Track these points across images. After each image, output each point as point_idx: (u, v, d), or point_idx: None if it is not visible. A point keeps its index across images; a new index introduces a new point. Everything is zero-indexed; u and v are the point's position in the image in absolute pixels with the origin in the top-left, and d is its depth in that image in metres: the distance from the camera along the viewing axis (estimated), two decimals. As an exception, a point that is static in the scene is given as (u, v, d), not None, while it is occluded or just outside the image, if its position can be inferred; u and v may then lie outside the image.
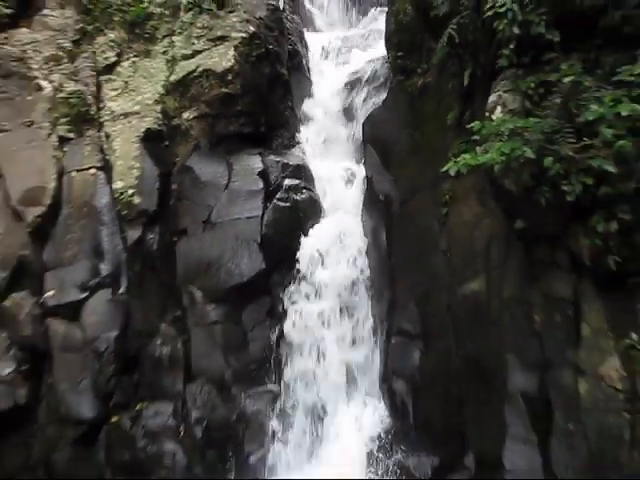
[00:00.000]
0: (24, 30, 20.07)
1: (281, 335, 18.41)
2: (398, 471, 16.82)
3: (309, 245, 18.85)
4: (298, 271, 18.71)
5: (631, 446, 14.73)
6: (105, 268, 19.05)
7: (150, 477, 17.91)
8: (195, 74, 19.37)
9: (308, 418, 17.91)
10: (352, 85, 20.00)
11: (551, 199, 14.98)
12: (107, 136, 19.69)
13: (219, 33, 19.46)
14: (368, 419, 17.63)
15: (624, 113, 14.36)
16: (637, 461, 14.75)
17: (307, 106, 20.06)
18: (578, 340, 15.55)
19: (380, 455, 17.01)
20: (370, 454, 17.13)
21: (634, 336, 15.05)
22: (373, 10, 20.44)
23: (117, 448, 18.31)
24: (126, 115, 19.60)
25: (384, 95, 19.28)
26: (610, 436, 15.00)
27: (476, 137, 15.50)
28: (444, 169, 15.66)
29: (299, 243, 18.86)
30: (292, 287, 18.65)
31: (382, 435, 17.31)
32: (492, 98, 16.12)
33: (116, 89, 19.80)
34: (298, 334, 18.36)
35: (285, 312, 18.51)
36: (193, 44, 19.54)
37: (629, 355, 14.96)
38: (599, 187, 14.68)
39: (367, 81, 19.87)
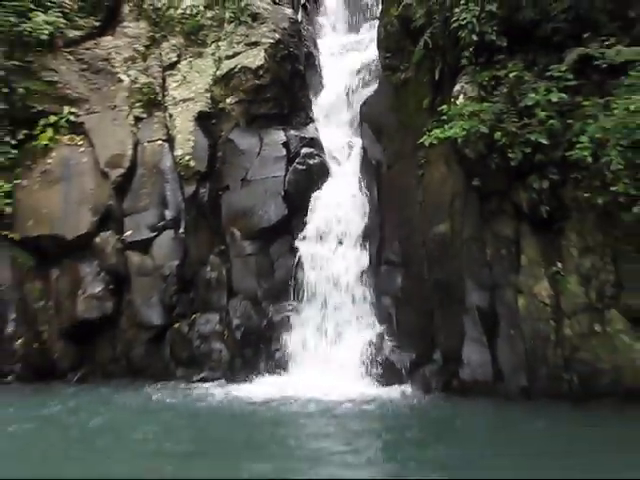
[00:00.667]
0: (109, 37, 20.02)
1: (299, 263, 18.15)
2: (384, 363, 16.73)
3: (319, 196, 18.66)
4: (310, 219, 18.53)
5: (555, 345, 15.04)
6: (169, 214, 19.03)
7: (202, 368, 17.92)
8: (235, 70, 19.25)
9: (320, 323, 17.78)
10: (352, 78, 19.71)
11: (499, 164, 15.35)
12: (170, 116, 19.58)
13: (253, 39, 19.35)
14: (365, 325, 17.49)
15: (554, 99, 14.88)
16: (559, 356, 15.01)
17: (318, 93, 19.81)
18: (518, 268, 15.70)
19: (373, 351, 16.91)
20: (364, 352, 16.95)
21: (559, 265, 14.93)
22: (368, 22, 20.15)
23: (178, 347, 18.37)
24: (184, 100, 19.52)
25: (375, 86, 19.17)
26: (540, 338, 15.23)
27: (444, 117, 15.85)
28: (420, 141, 16.19)
29: (312, 195, 18.66)
30: (307, 229, 18.40)
31: (373, 338, 17.11)
32: (456, 88, 16.32)
33: (176, 81, 19.72)
34: (311, 263, 18.13)
35: (303, 246, 18.37)
36: (234, 48, 19.45)
37: (555, 279, 15.19)
38: (535, 155, 14.99)
39: (363, 76, 19.54)
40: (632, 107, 13.47)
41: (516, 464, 11.21)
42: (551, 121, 14.66)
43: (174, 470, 11.00)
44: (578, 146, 14.17)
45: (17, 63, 18.81)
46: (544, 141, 14.61)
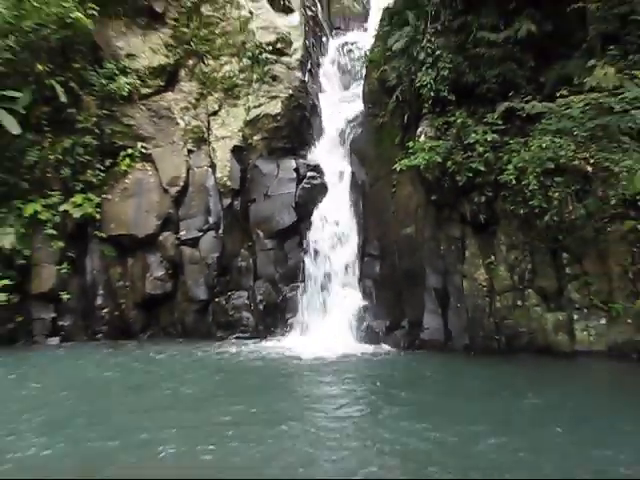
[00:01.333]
0: (170, 93, 19.99)
1: (306, 255, 18.22)
2: (367, 329, 16.83)
3: (320, 207, 18.59)
4: (313, 223, 18.48)
5: (489, 315, 15.10)
6: (211, 219, 19.01)
7: (233, 330, 17.94)
8: (260, 116, 19.29)
9: (319, 299, 17.76)
10: (345, 123, 19.65)
11: (450, 184, 15.39)
12: (213, 149, 19.54)
13: (273, 94, 19.36)
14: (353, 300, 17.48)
15: (489, 139, 14.92)
16: (492, 323, 15.06)
17: (319, 133, 19.80)
18: (463, 259, 15.75)
19: (359, 319, 17.06)
20: (352, 320, 17.08)
21: (492, 257, 14.88)
22: (356, 82, 20.11)
23: (218, 315, 18.36)
24: (223, 138, 19.50)
25: (361, 128, 18.97)
26: (479, 310, 15.22)
27: (410, 150, 15.72)
28: (393, 167, 16.09)
29: (315, 206, 18.57)
30: (311, 231, 18.34)
31: (358, 310, 17.17)
32: (419, 130, 16.21)
33: (218, 124, 19.67)
34: (314, 256, 18.13)
35: (308, 243, 18.29)
36: (259, 100, 19.45)
37: (489, 267, 15.30)
38: (475, 178, 15.13)
39: (351, 121, 19.48)
40: (543, 145, 13.59)
41: (461, 397, 11.55)
42: (487, 154, 14.80)
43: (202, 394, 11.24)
44: (506, 172, 14.33)
45: (106, 112, 19.08)
46: (482, 168, 14.77)
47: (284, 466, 8.00)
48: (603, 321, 14.07)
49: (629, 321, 13.77)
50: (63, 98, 18.10)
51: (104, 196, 18.85)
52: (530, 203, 14.06)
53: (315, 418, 10.17)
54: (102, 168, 18.99)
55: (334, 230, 18.19)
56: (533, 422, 9.79)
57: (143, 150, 19.22)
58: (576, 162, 13.64)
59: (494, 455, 8.28)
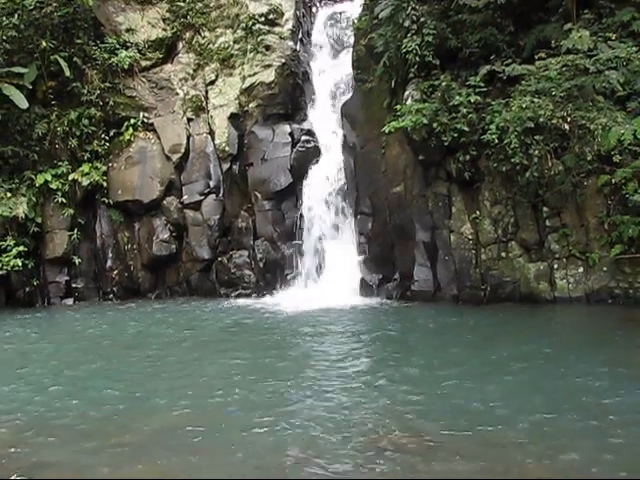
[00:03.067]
0: (169, 65, 19.93)
1: (302, 214, 18.33)
2: (361, 282, 17.11)
3: (314, 169, 18.67)
4: (308, 184, 18.57)
5: (475, 266, 15.31)
6: (212, 184, 19.05)
7: (235, 287, 18.06)
8: (255, 84, 19.21)
9: (316, 255, 17.95)
10: (335, 88, 19.62)
11: (436, 144, 15.33)
12: (211, 117, 19.52)
13: (267, 63, 19.25)
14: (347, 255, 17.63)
15: (472, 100, 14.84)
16: (478, 273, 15.27)
17: (312, 98, 19.75)
18: (450, 215, 15.86)
19: (353, 275, 17.25)
20: (347, 274, 17.28)
21: (477, 212, 15.00)
22: (345, 50, 19.98)
23: (221, 273, 18.56)
24: (221, 106, 19.45)
25: (351, 93, 18.94)
26: (465, 261, 15.38)
27: (398, 113, 15.67)
28: (382, 129, 16.00)
29: (309, 168, 18.63)
30: (305, 189, 18.49)
31: (352, 264, 17.40)
32: (406, 93, 16.22)
33: (215, 93, 19.63)
34: (310, 214, 18.30)
35: (304, 203, 18.46)
36: (254, 69, 19.34)
37: (475, 222, 15.41)
38: (460, 138, 15.05)
39: (342, 87, 19.47)
40: (523, 105, 13.61)
41: (450, 340, 11.93)
42: (470, 115, 14.83)
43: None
44: (489, 132, 14.36)
45: (109, 85, 19.07)
46: (466, 128, 14.79)
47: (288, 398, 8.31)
48: (581, 270, 14.32)
49: (604, 269, 14.01)
50: (68, 72, 18.11)
51: (110, 164, 18.96)
52: (512, 160, 14.15)
53: (318, 361, 10.57)
54: (107, 138, 19.05)
55: (328, 190, 18.29)
56: (521, 359, 10.11)
57: (145, 120, 19.23)
58: (554, 121, 13.72)
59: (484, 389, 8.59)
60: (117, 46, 19.22)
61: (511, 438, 7.12)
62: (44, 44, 17.95)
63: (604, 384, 8.74)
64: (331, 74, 20.04)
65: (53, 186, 18.04)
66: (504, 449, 6.86)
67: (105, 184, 18.67)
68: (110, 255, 18.71)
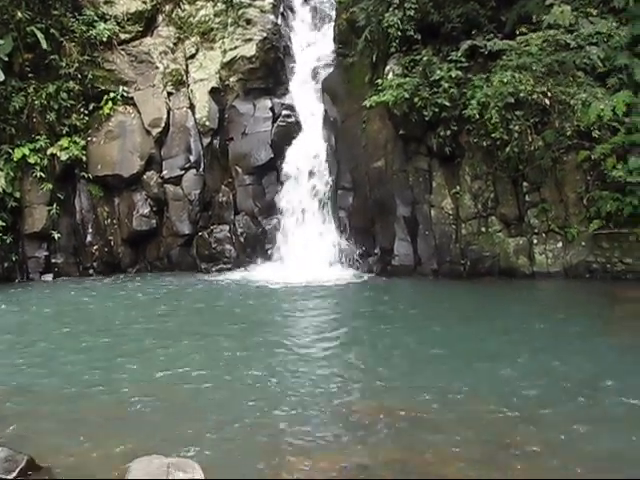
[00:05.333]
0: (149, 39, 19.65)
1: (283, 189, 18.33)
2: (341, 256, 17.15)
3: (295, 144, 18.54)
4: (289, 158, 18.45)
5: (455, 241, 15.51)
6: (192, 158, 18.89)
7: (216, 262, 17.97)
8: (236, 58, 19.04)
9: (297, 230, 17.93)
10: (317, 63, 19.51)
11: (417, 119, 15.46)
12: (192, 91, 19.32)
13: (248, 37, 19.11)
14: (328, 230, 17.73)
15: (453, 75, 14.97)
16: (458, 248, 15.43)
17: (293, 73, 19.62)
18: (431, 190, 16.01)
19: (334, 249, 17.26)
20: (328, 248, 17.34)
21: (457, 187, 15.10)
22: (326, 24, 19.83)
23: (201, 248, 18.40)
24: (201, 80, 19.29)
25: (332, 68, 18.83)
26: (445, 236, 15.53)
27: (379, 88, 15.70)
28: (363, 104, 16.06)
29: (290, 143, 18.52)
30: (285, 164, 18.38)
31: (333, 239, 17.46)
32: (387, 68, 16.32)
33: (196, 67, 19.46)
34: (291, 189, 18.26)
35: (284, 178, 18.37)
36: (234, 43, 19.19)
37: (455, 197, 15.58)
38: (441, 113, 15.24)
39: (323, 61, 19.37)
40: (504, 80, 13.69)
41: (430, 313, 12.28)
42: (451, 90, 14.92)
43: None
44: (470, 107, 14.46)
45: (87, 58, 18.77)
46: (447, 103, 14.91)
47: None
48: (559, 244, 14.53)
49: (583, 244, 14.22)
50: (45, 45, 17.82)
51: (89, 139, 18.73)
52: (492, 135, 14.28)
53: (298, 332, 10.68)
54: (86, 112, 18.79)
55: (309, 165, 18.21)
56: (499, 333, 10.31)
57: (125, 94, 18.98)
58: (535, 96, 13.81)
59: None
60: (95, 18, 18.91)
61: (488, 409, 7.28)
62: (19, 15, 17.62)
63: (580, 355, 9.09)
64: (312, 48, 19.92)
65: (31, 160, 17.85)
66: (481, 420, 7.03)
67: (84, 159, 18.45)
68: (90, 230, 18.57)
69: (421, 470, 5.96)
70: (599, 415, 7.05)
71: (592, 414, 7.06)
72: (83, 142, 18.57)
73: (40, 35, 17.83)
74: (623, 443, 6.31)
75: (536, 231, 14.75)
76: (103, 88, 19.00)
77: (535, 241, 14.72)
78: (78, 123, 18.59)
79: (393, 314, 12.45)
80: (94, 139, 18.78)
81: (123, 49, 19.34)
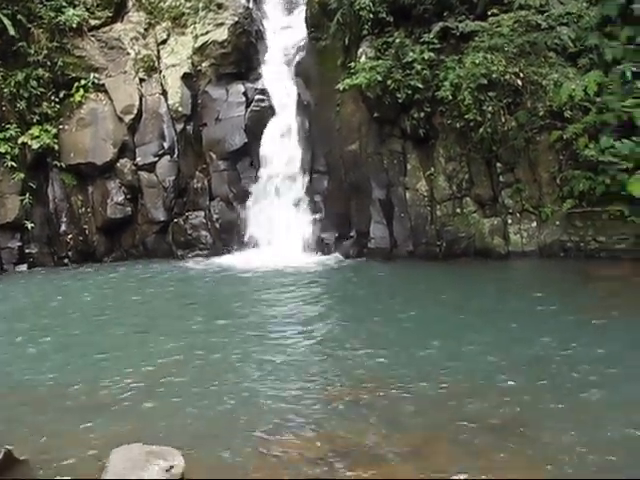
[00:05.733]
0: (119, 24, 19.38)
1: (258, 174, 18.25)
2: (317, 240, 17.16)
3: (268, 128, 18.37)
4: (263, 144, 18.31)
5: (430, 222, 15.58)
6: (166, 145, 18.70)
7: (192, 248, 17.99)
8: (208, 43, 18.82)
9: (272, 215, 17.89)
10: (289, 47, 19.37)
11: (391, 101, 15.43)
12: (164, 77, 19.11)
13: (219, 21, 18.91)
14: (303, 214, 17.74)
15: (426, 57, 14.97)
16: (433, 230, 15.58)
17: (265, 57, 19.43)
18: (405, 172, 16.00)
19: (310, 234, 17.32)
20: (304, 233, 17.39)
21: (432, 169, 15.23)
22: (298, 7, 19.68)
23: (177, 235, 18.38)
24: (173, 66, 19.06)
25: (304, 52, 18.71)
26: (421, 218, 15.60)
27: (352, 71, 15.67)
28: (336, 87, 16.01)
29: (264, 128, 18.34)
30: (260, 149, 18.25)
31: (309, 223, 17.48)
32: (360, 51, 16.29)
33: (167, 52, 19.24)
34: (266, 174, 18.18)
35: (259, 163, 18.26)
36: (206, 27, 18.99)
37: (430, 179, 15.66)
38: (414, 95, 15.22)
39: (295, 45, 19.21)
40: (477, 61, 13.83)
41: (406, 294, 12.49)
42: (424, 72, 14.96)
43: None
44: (443, 88, 14.56)
45: (56, 44, 18.46)
46: (420, 85, 14.95)
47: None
48: (534, 224, 14.69)
49: (557, 223, 14.39)
50: (12, 31, 17.55)
51: (61, 127, 18.48)
52: (465, 117, 14.38)
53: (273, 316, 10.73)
54: (57, 100, 18.52)
55: (283, 149, 18.12)
56: (476, 313, 10.42)
57: (96, 81, 18.69)
58: (507, 77, 13.94)
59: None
60: (64, 4, 18.57)
61: (466, 388, 7.39)
62: (-15, 2, 17.45)
63: (555, 331, 9.35)
64: (285, 32, 19.77)
65: (2, 150, 17.58)
66: (460, 398, 7.13)
67: (56, 147, 18.18)
68: (64, 219, 18.39)
69: (408, 451, 6.07)
70: (566, 385, 7.39)
71: (556, 384, 7.37)
72: (55, 130, 18.30)
73: (7, 22, 17.56)
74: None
75: (510, 211, 14.89)
76: (74, 75, 18.71)
77: (510, 221, 14.86)
78: (49, 111, 18.34)
79: (369, 296, 12.57)
80: (66, 127, 18.56)
81: (93, 35, 19.07)
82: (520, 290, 12.14)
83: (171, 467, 5.29)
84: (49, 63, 18.33)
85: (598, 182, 13.43)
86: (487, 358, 8.29)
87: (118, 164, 18.54)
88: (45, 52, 18.22)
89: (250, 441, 6.43)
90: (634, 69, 13.50)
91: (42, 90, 18.29)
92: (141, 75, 19.13)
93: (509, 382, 7.51)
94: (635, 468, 5.53)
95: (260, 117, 18.48)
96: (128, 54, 19.18)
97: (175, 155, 18.79)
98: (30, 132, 18.02)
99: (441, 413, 6.83)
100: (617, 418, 6.46)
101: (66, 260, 18.26)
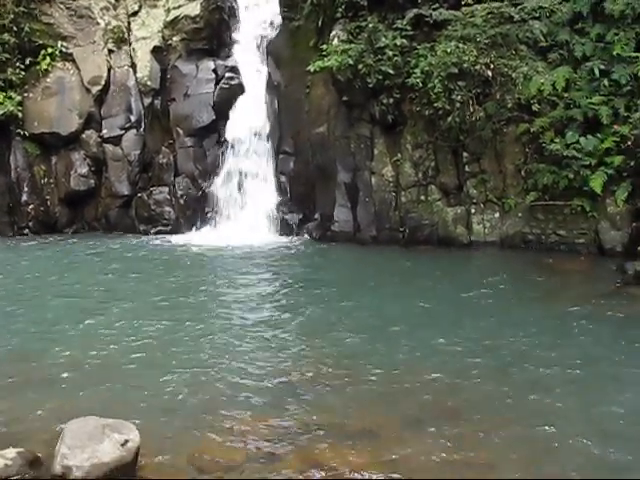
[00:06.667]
0: (89, -8, 19.06)
1: (224, 152, 18.12)
2: (281, 221, 17.20)
3: (237, 106, 18.27)
4: (231, 121, 18.23)
5: (395, 208, 15.69)
6: (133, 118, 18.61)
7: (155, 224, 17.95)
8: (180, 17, 18.63)
9: (237, 194, 17.84)
10: (261, 25, 19.17)
11: (361, 86, 15.40)
12: (133, 49, 18.92)
13: (192, -5, 18.70)
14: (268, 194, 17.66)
15: (398, 43, 14.97)
16: (397, 216, 15.68)
17: (237, 35, 19.23)
18: (372, 157, 16.07)
19: (274, 213, 17.30)
20: (268, 213, 17.33)
21: (399, 155, 15.13)
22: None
23: (140, 210, 18.32)
24: (144, 38, 18.87)
25: (277, 31, 18.49)
26: (385, 204, 15.67)
27: (324, 53, 15.60)
28: (307, 69, 15.99)
29: (232, 106, 18.24)
30: (227, 126, 18.17)
31: (273, 204, 17.39)
32: (333, 33, 16.22)
33: (138, 25, 19.00)
34: (232, 152, 18.10)
35: (226, 141, 18.17)
36: (178, 1, 18.74)
37: (396, 165, 15.64)
38: (385, 80, 15.22)
39: (268, 24, 19.02)
40: (448, 50, 13.84)
41: (366, 280, 12.51)
42: (396, 58, 14.93)
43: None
44: (413, 75, 14.57)
45: (24, 9, 18.05)
46: (391, 71, 14.92)
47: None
48: (497, 215, 14.82)
49: (519, 215, 14.52)
50: (-23, -5, 17.33)
51: (26, 94, 18.13)
52: (435, 105, 14.40)
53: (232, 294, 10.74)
54: (22, 67, 18.10)
55: (250, 128, 18.03)
56: (434, 300, 10.52)
57: (64, 49, 18.42)
58: (478, 67, 13.98)
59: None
60: (33, -33, 18.35)
61: (420, 373, 7.51)
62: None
63: (510, 320, 9.68)
64: (258, 11, 19.58)
65: (-37, 115, 17.38)
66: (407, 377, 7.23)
67: (20, 115, 17.77)
68: (25, 189, 18.03)
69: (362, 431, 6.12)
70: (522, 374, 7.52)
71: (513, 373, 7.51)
72: (19, 98, 17.91)
73: (-28, -16, 17.25)
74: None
75: (474, 201, 14.99)
76: (41, 42, 18.35)
77: (473, 211, 14.97)
78: (14, 78, 17.94)
79: (329, 280, 12.62)
80: (31, 95, 18.24)
81: (62, 3, 18.65)
82: (481, 280, 12.22)
83: (126, 441, 5.29)
84: (15, 28, 17.91)
85: (562, 176, 13.55)
86: (449, 349, 8.37)
87: (83, 135, 18.37)
88: (11, 17, 17.80)
89: (207, 418, 6.45)
90: (602, 67, 13.65)
91: (7, 56, 17.92)
92: (110, 46, 18.89)
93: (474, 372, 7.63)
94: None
95: (229, 95, 18.37)
96: (98, 24, 18.89)
97: (142, 129, 18.67)
98: (-7, 98, 17.71)
99: (396, 396, 6.93)
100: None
101: (26, 230, 17.98)
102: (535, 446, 5.84)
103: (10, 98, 17.82)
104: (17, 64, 18.11)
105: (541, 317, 9.70)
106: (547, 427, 6.16)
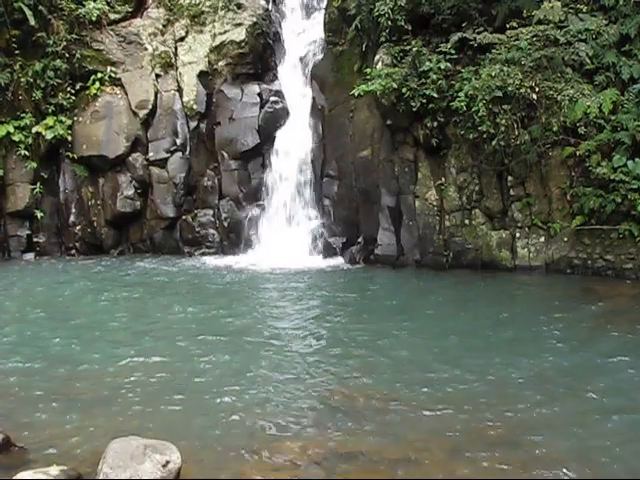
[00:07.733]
0: (138, 19, 19.45)
1: (268, 175, 18.26)
2: (325, 244, 17.22)
3: (281, 131, 18.51)
4: (276, 144, 18.42)
5: (439, 232, 15.56)
6: (179, 141, 18.79)
7: (199, 246, 18.17)
8: (226, 42, 18.91)
9: (281, 217, 17.96)
10: (306, 50, 19.35)
11: (405, 109, 15.38)
12: (180, 74, 19.17)
13: (238, 21, 18.98)
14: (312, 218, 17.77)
15: (442, 67, 14.93)
16: (441, 239, 15.53)
17: (282, 59, 19.48)
18: (416, 181, 16.00)
19: (318, 236, 17.39)
20: (312, 236, 17.44)
21: (443, 179, 15.09)
22: (317, 11, 19.64)
23: (185, 232, 18.53)
24: (190, 63, 19.13)
25: (321, 56, 18.67)
26: (429, 227, 15.55)
27: (368, 77, 15.60)
28: (351, 92, 15.98)
29: (277, 130, 18.49)
30: (272, 150, 18.36)
31: (317, 227, 17.47)
32: (377, 57, 16.21)
33: (185, 50, 19.28)
34: (277, 176, 18.22)
35: (270, 164, 18.27)
36: (224, 27, 19.03)
37: (440, 189, 15.56)
38: (429, 104, 15.19)
39: (312, 49, 19.18)
40: (493, 74, 13.78)
41: (411, 304, 12.49)
42: (440, 81, 14.91)
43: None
44: (457, 99, 14.53)
45: (75, 37, 18.56)
46: (435, 95, 14.89)
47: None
48: (542, 239, 14.61)
49: (565, 239, 14.30)
50: (32, 21, 17.64)
51: (75, 118, 18.56)
52: (479, 128, 14.32)
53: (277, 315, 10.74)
54: (73, 91, 18.59)
55: (295, 152, 18.14)
56: (479, 325, 10.39)
57: (112, 74, 18.80)
58: (522, 90, 13.88)
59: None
60: (85, -4, 18.79)
61: (462, 394, 7.40)
62: (7, -9, 17.49)
63: (556, 345, 9.43)
64: (302, 36, 19.79)
65: (16, 138, 17.70)
66: (456, 405, 7.12)
67: (70, 138, 18.26)
68: (73, 210, 18.47)
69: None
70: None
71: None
72: (69, 121, 18.39)
73: (28, 11, 17.64)
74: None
75: (519, 225, 14.82)
76: (91, 68, 18.80)
77: (518, 235, 14.80)
78: (64, 102, 18.41)
79: (373, 304, 12.54)
80: (80, 119, 18.64)
81: (112, 29, 19.13)
82: (526, 305, 12.10)
83: (167, 462, 5.29)
84: (67, 55, 18.43)
85: (609, 200, 13.34)
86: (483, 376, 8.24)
87: (130, 158, 18.63)
88: (64, 44, 18.31)
89: (249, 441, 6.42)
90: (650, 88, 13.48)
91: (59, 81, 18.39)
92: (157, 71, 19.20)
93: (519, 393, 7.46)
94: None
95: (274, 118, 18.56)
96: (146, 49, 19.25)
97: (187, 152, 18.85)
98: (45, 122, 18.12)
99: (437, 422, 6.82)
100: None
101: (73, 251, 18.38)
102: None
103: (61, 122, 18.24)
104: (68, 89, 18.58)
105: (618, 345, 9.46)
106: None
